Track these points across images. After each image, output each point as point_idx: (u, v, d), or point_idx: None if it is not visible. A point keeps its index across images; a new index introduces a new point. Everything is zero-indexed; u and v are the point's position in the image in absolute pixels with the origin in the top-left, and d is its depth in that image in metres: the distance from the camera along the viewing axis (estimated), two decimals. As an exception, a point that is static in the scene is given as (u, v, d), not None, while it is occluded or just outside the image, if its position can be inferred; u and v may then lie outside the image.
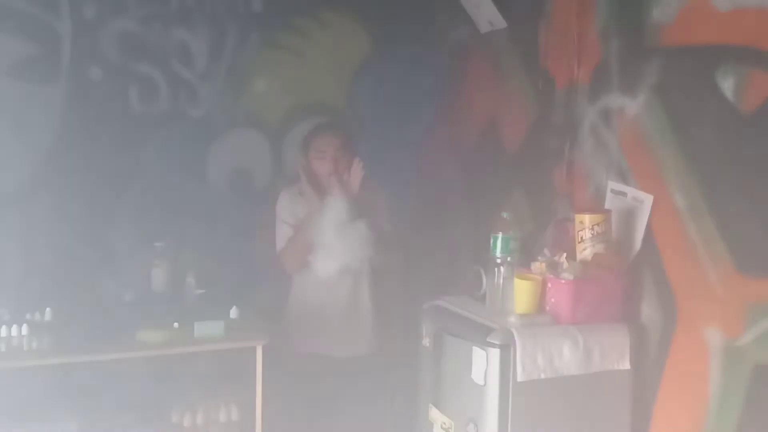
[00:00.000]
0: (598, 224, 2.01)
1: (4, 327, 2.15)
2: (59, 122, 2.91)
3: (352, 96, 3.29)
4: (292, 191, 2.65)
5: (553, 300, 1.99)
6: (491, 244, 2.08)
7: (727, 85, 1.81)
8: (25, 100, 2.85)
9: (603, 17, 2.23)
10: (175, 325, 2.25)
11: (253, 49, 3.21)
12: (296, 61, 3.26)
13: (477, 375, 1.92)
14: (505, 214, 2.09)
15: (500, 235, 2.06)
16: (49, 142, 2.89)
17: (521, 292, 1.99)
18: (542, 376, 1.91)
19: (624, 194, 2.12)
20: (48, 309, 2.26)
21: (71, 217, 2.83)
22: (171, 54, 3.10)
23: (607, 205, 2.17)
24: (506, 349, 1.88)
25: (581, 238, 2.03)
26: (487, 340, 1.90)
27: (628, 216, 2.09)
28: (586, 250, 2.02)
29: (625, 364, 2.01)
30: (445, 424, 2.08)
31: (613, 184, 2.17)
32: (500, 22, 2.77)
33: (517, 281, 2.00)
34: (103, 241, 2.86)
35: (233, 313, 2.40)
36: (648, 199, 2.03)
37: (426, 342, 2.20)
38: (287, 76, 3.05)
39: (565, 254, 2.02)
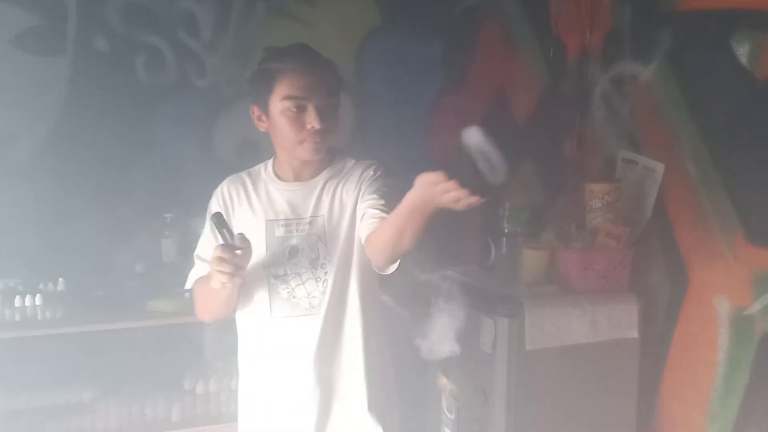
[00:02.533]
0: (608, 194, 2.00)
1: (18, 297, 2.17)
2: (66, 94, 2.89)
3: (361, 66, 3.24)
4: (231, 182, 1.72)
5: (561, 269, 1.98)
6: (500, 215, 2.07)
7: (742, 51, 1.78)
8: (31, 72, 2.82)
9: (616, -19, 2.19)
10: (186, 294, 2.26)
11: (259, 18, 3.15)
12: (303, 30, 3.20)
13: (485, 344, 1.93)
14: (513, 184, 2.08)
15: (509, 205, 2.05)
16: (57, 114, 2.87)
17: (530, 262, 1.98)
18: (550, 344, 1.91)
19: (635, 163, 2.10)
20: (61, 279, 2.28)
21: (80, 189, 2.82)
22: (177, 24, 3.04)
23: (617, 175, 2.15)
24: (515, 318, 1.89)
25: (591, 207, 2.02)
26: (496, 309, 1.90)
27: (639, 185, 2.07)
28: (595, 220, 2.01)
29: (633, 333, 2.01)
30: (453, 391, 2.09)
31: (624, 153, 2.14)
32: (510, -11, 2.72)
33: (526, 251, 1.99)
34: (113, 213, 2.85)
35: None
36: (659, 168, 2.01)
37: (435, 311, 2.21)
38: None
39: (574, 224, 2.01)
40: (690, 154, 1.93)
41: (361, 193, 1.60)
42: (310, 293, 1.60)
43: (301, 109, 1.51)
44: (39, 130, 2.81)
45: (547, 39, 2.52)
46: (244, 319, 1.69)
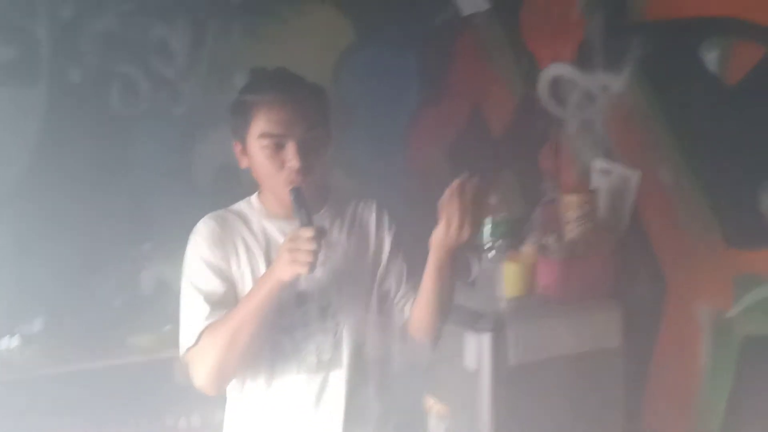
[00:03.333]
0: (584, 204, 2.00)
1: None
2: (41, 127, 2.87)
3: (337, 84, 3.25)
4: (219, 222, 1.47)
5: (543, 281, 1.97)
6: (480, 229, 2.06)
7: (711, 57, 1.80)
8: (5, 105, 2.80)
9: (585, -6, 2.21)
10: (167, 327, 2.23)
11: (234, 41, 3.15)
12: (278, 51, 3.20)
13: (470, 361, 1.91)
14: (492, 198, 2.08)
15: (489, 219, 2.05)
16: (31, 148, 2.84)
17: (511, 275, 1.97)
18: (535, 357, 1.90)
19: (610, 172, 2.11)
20: (38, 319, 2.23)
21: (57, 223, 2.79)
22: (151, 52, 3.04)
23: (593, 184, 2.16)
24: (498, 332, 1.87)
25: (569, 218, 2.02)
26: (478, 325, 1.89)
27: (616, 194, 2.07)
28: (574, 230, 2.01)
29: (617, 342, 2.01)
30: (440, 411, 2.07)
31: (598, 162, 2.15)
32: (483, 4, 2.74)
33: (506, 264, 1.98)
34: (91, 246, 2.82)
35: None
36: (635, 176, 2.01)
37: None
38: (268, 66, 3.00)
39: (554, 235, 2.01)
40: (664, 160, 1.94)
41: (384, 252, 1.47)
42: (319, 346, 1.40)
43: (279, 147, 1.34)
44: (14, 164, 2.79)
45: (519, 53, 2.53)
46: (235, 383, 1.43)
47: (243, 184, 2.91)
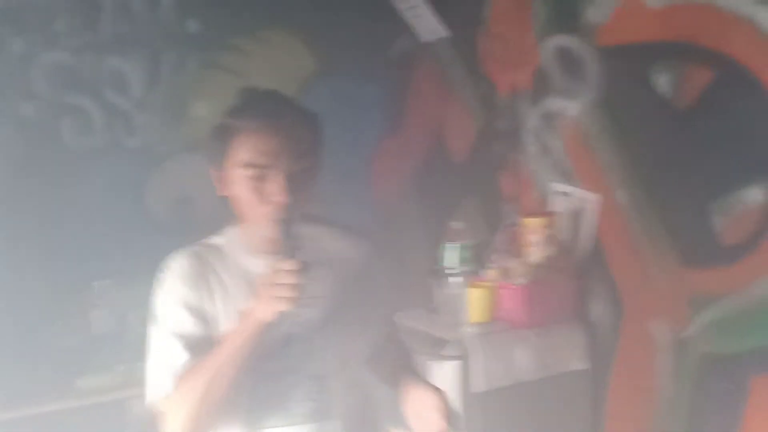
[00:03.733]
0: (545, 227, 2.00)
1: None
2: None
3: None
4: (193, 258, 1.36)
5: (507, 306, 1.96)
6: (440, 255, 2.05)
7: (662, 81, 1.83)
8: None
9: (540, 20, 2.24)
10: (120, 367, 2.14)
11: (191, 72, 3.12)
12: (237, 81, 3.16)
13: (435, 389, 1.88)
14: (454, 223, 2.07)
15: (450, 244, 2.03)
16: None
17: (474, 301, 1.96)
18: (500, 384, 1.87)
19: (569, 195, 2.12)
20: None
21: (3, 262, 2.69)
22: (105, 84, 2.99)
23: (552, 208, 2.16)
24: (463, 360, 1.85)
25: (531, 241, 2.02)
26: (443, 352, 1.86)
27: (576, 216, 2.08)
28: (536, 254, 2.01)
29: (583, 364, 2.00)
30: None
31: (556, 186, 2.16)
32: (441, 31, 2.76)
33: (469, 290, 1.96)
34: (38, 285, 2.72)
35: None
36: (593, 199, 2.03)
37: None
38: (228, 98, 2.97)
39: (516, 259, 2.00)
40: (620, 182, 1.95)
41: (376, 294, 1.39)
42: (307, 394, 1.27)
43: (263, 178, 1.22)
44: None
45: (478, 79, 2.56)
46: None
47: (199, 219, 2.86)
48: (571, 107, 2.12)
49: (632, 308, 1.93)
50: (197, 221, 2.83)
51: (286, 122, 1.25)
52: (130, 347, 2.31)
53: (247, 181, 1.24)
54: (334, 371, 1.29)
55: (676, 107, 1.82)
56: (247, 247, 1.32)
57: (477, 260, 2.07)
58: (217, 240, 1.37)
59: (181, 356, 1.25)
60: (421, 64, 3.04)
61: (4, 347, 2.31)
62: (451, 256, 2.03)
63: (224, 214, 2.77)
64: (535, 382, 1.91)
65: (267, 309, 1.16)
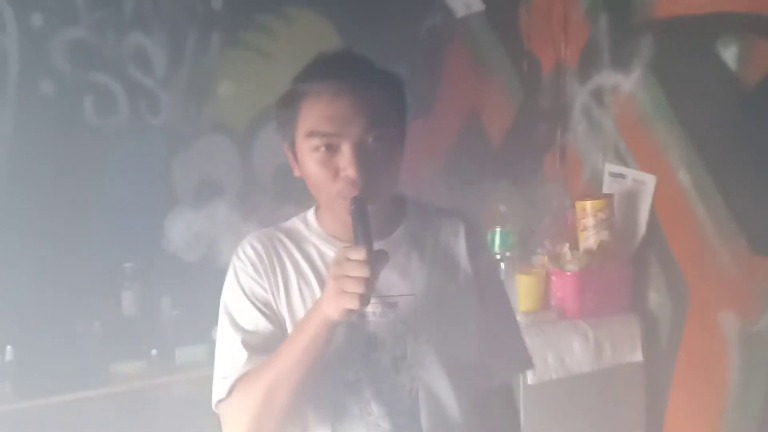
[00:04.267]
0: (600, 210, 1.89)
1: None
2: (9, 144, 2.69)
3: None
4: (265, 244, 1.19)
5: (558, 294, 1.86)
6: (488, 240, 1.95)
7: (729, 55, 1.71)
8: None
9: (588, -8, 2.13)
10: (153, 352, 2.06)
11: (215, 50, 3.01)
12: (262, 60, 3.07)
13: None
14: (502, 207, 1.96)
15: (498, 229, 1.93)
16: (1, 169, 2.67)
17: (524, 288, 1.86)
18: (553, 376, 1.78)
19: (623, 177, 2.01)
20: (9, 347, 2.03)
21: (30, 246, 2.61)
22: (128, 61, 2.89)
23: (605, 190, 2.06)
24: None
25: (584, 226, 1.91)
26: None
27: (630, 199, 1.97)
28: (589, 239, 1.90)
29: (638, 356, 1.90)
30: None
31: (610, 167, 2.05)
32: (477, 5, 2.64)
33: (519, 277, 1.87)
34: (67, 268, 2.64)
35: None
36: (651, 180, 1.92)
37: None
38: (253, 78, 2.88)
39: (567, 245, 1.90)
40: (681, 163, 1.84)
41: (479, 276, 1.15)
42: (392, 408, 1.09)
43: (333, 149, 1.05)
44: (-17, 185, 2.62)
45: (519, 55, 2.43)
46: None
47: (228, 199, 2.77)
48: (624, 83, 2.00)
49: (698, 298, 1.83)
50: (225, 203, 2.73)
51: (358, 84, 1.06)
52: (164, 332, 2.24)
53: (315, 154, 1.06)
54: (422, 383, 1.10)
55: (742, 82, 1.70)
56: (324, 234, 1.15)
57: (524, 245, 1.97)
58: (294, 224, 1.20)
59: (241, 356, 1.10)
60: (453, 41, 2.92)
61: (34, 331, 2.24)
62: (498, 241, 1.93)
63: (251, 194, 2.71)
64: (589, 375, 1.81)
65: (333, 306, 0.99)
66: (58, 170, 2.70)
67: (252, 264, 1.16)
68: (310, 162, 1.07)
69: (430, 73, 3.09)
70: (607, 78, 2.06)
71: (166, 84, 2.91)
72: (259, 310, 1.13)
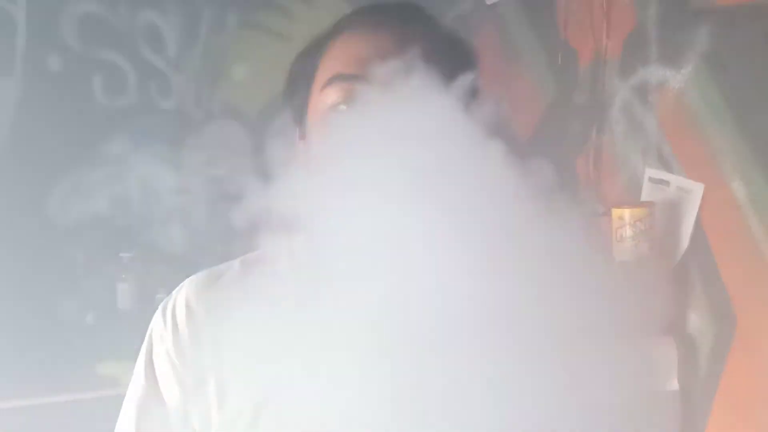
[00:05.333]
0: (641, 220, 1.70)
1: None
2: (12, 119, 2.59)
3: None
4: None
5: (589, 312, 1.67)
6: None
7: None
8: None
9: (636, -25, 1.92)
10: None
11: (230, 31, 2.91)
12: (279, 43, 2.95)
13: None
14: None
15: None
16: (1, 141, 2.56)
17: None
18: (579, 403, 1.60)
19: (666, 183, 1.81)
20: None
21: (25, 228, 2.50)
22: (139, 39, 2.79)
23: (644, 197, 1.86)
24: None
25: (620, 236, 1.72)
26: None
27: (673, 209, 1.77)
28: (627, 251, 1.71)
29: (673, 385, 1.71)
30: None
31: (651, 172, 1.85)
32: (509, -11, 2.44)
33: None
34: (62, 255, 2.53)
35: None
36: (697, 189, 1.71)
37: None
38: (269, 61, 2.74)
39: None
40: (735, 171, 1.64)
41: None
42: None
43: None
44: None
45: (553, 45, 2.24)
46: None
47: (233, 192, 2.62)
48: (673, 78, 1.79)
49: (746, 325, 1.62)
50: (231, 193, 2.58)
51: (401, 23, 0.78)
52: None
53: (331, 115, 0.72)
54: None
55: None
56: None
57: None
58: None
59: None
60: (481, 29, 2.74)
61: (25, 323, 2.10)
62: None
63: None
64: (618, 402, 1.62)
65: None
66: (60, 148, 2.60)
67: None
68: (321, 128, 0.73)
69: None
70: (653, 73, 1.85)
71: (178, 65, 2.80)
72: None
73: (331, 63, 0.76)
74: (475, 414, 0.58)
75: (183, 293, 0.86)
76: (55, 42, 2.64)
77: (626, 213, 1.69)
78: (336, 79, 0.74)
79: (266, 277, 0.67)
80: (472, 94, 0.68)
